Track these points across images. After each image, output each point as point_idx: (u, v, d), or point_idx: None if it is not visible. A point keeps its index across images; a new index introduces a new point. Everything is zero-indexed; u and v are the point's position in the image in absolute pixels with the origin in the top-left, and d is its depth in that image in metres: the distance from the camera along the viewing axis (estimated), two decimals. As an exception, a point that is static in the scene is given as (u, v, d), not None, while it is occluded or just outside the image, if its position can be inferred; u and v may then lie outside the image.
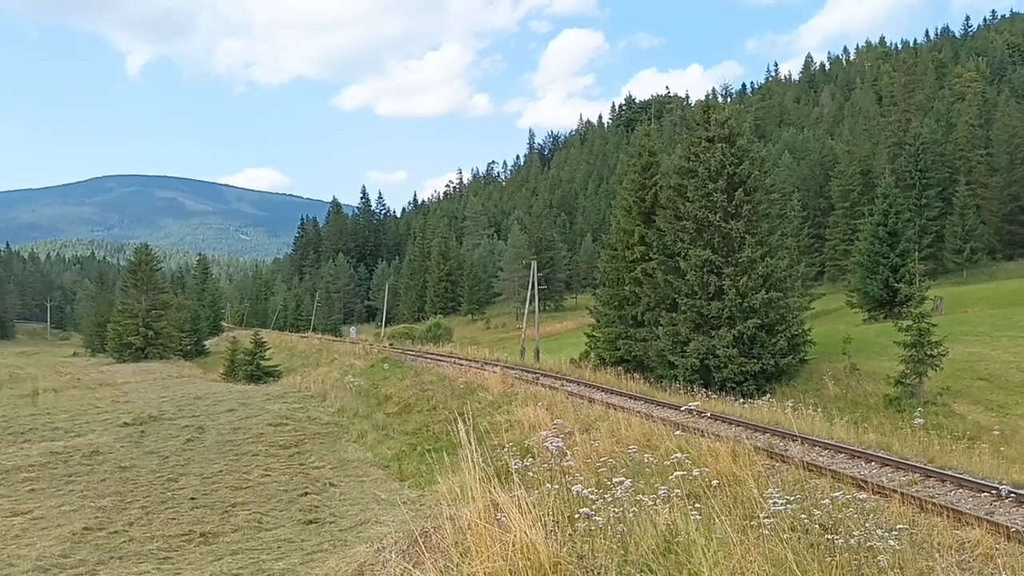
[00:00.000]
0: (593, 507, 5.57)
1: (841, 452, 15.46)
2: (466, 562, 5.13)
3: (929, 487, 12.70)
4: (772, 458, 14.33)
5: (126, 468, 23.69)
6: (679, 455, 6.99)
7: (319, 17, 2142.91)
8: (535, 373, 32.98)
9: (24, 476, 22.77)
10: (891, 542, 5.62)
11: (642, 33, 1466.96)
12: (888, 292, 51.33)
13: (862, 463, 14.62)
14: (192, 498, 20.06)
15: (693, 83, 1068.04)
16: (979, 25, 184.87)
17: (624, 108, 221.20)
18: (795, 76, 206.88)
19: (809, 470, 12.93)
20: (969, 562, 8.90)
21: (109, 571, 14.37)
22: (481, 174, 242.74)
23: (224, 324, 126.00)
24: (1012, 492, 11.53)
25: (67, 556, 15.36)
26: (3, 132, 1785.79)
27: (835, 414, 21.98)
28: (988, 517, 10.52)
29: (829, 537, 5.12)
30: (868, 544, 5.39)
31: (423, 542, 7.72)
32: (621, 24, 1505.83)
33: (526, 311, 53.48)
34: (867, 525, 6.28)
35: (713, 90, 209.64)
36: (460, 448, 6.17)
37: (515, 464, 7.04)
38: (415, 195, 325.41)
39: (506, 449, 8.79)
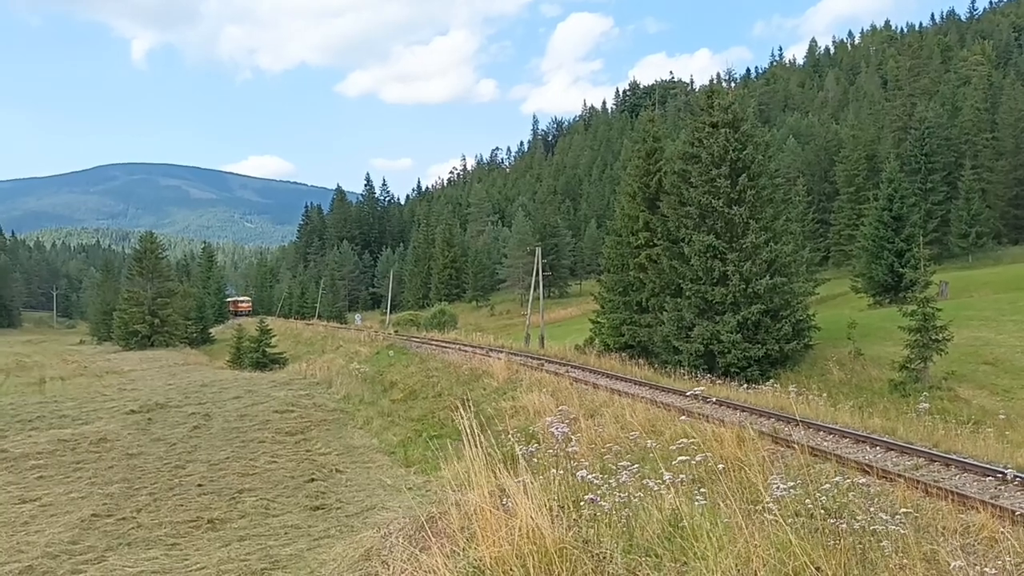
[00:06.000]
0: (598, 492, 5.59)
1: (846, 437, 15.47)
2: (472, 547, 5.16)
3: (934, 471, 12.71)
4: (777, 443, 14.35)
5: (133, 455, 23.85)
6: (684, 440, 7.00)
7: (324, 3, 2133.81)
8: (540, 359, 33.01)
9: (32, 463, 22.95)
10: (895, 526, 5.62)
11: (650, 17, 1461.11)
12: (893, 277, 51.22)
13: (867, 448, 14.64)
14: (199, 485, 20.18)
15: (702, 68, 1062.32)
16: (985, 8, 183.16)
17: (628, 93, 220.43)
18: (800, 61, 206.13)
19: (814, 455, 12.94)
20: (973, 546, 8.93)
21: (117, 557, 14.47)
22: (485, 160, 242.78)
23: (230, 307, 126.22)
24: (1017, 476, 11.55)
25: (76, 543, 15.48)
26: (8, 121, 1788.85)
27: (840, 399, 21.98)
28: (993, 501, 10.55)
29: (833, 521, 5.13)
30: (872, 528, 5.39)
31: (429, 527, 7.76)
32: (630, 8, 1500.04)
33: (531, 298, 53.48)
34: (871, 509, 6.29)
35: (717, 75, 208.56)
36: (464, 435, 6.19)
37: (520, 450, 7.06)
38: (419, 182, 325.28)
39: (511, 435, 8.81)
